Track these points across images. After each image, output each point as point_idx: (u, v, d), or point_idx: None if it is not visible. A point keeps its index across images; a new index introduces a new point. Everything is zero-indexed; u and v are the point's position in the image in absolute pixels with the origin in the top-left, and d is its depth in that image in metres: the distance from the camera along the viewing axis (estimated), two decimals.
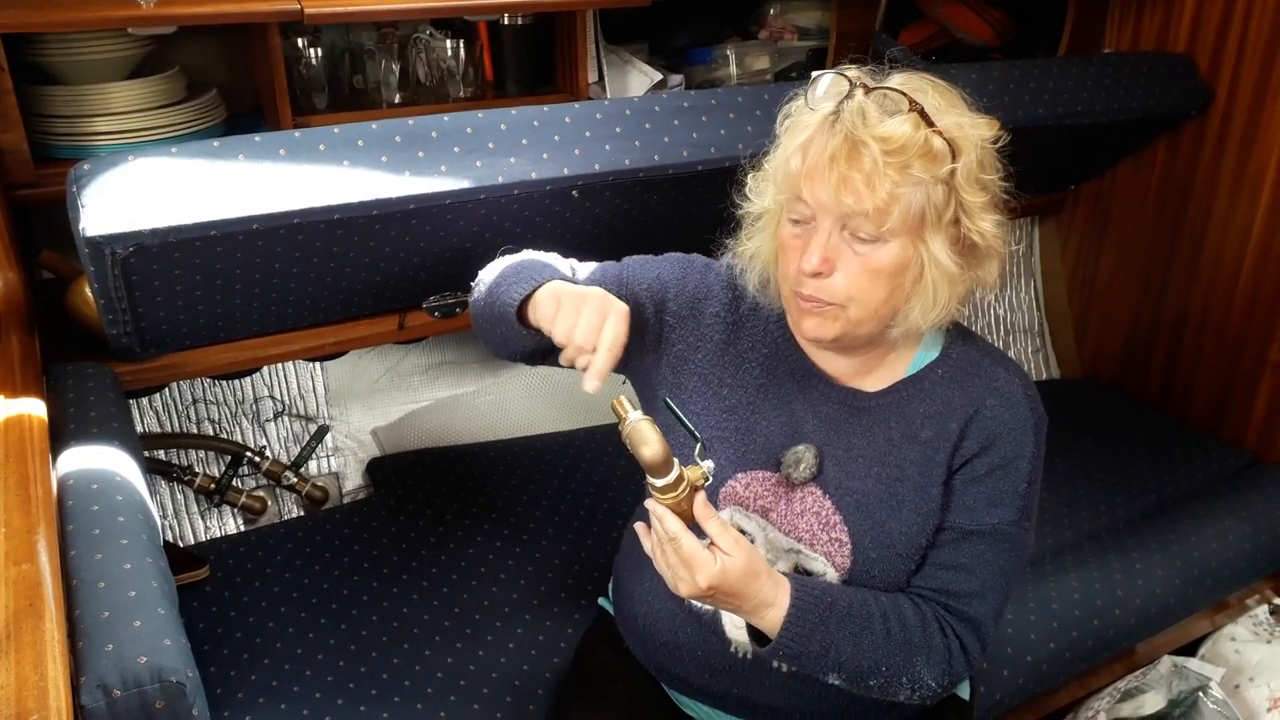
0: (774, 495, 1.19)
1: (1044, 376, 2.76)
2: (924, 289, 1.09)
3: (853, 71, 1.09)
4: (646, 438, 0.99)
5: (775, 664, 1.19)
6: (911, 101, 1.05)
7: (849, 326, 1.11)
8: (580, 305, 1.06)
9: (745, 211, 1.18)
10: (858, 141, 1.03)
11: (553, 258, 1.26)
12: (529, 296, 1.12)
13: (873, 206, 1.03)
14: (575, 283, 1.21)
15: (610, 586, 1.44)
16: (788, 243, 1.10)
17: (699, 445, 1.08)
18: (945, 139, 1.05)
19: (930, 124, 1.04)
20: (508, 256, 1.25)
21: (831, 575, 1.17)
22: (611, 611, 1.42)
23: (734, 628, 1.20)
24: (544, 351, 1.18)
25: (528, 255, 1.25)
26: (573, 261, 1.27)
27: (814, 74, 1.10)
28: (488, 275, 1.24)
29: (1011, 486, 1.16)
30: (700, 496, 1.04)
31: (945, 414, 1.17)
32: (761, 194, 1.15)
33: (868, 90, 1.06)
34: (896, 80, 1.08)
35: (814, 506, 1.18)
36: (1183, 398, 2.45)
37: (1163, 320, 2.46)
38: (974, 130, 1.08)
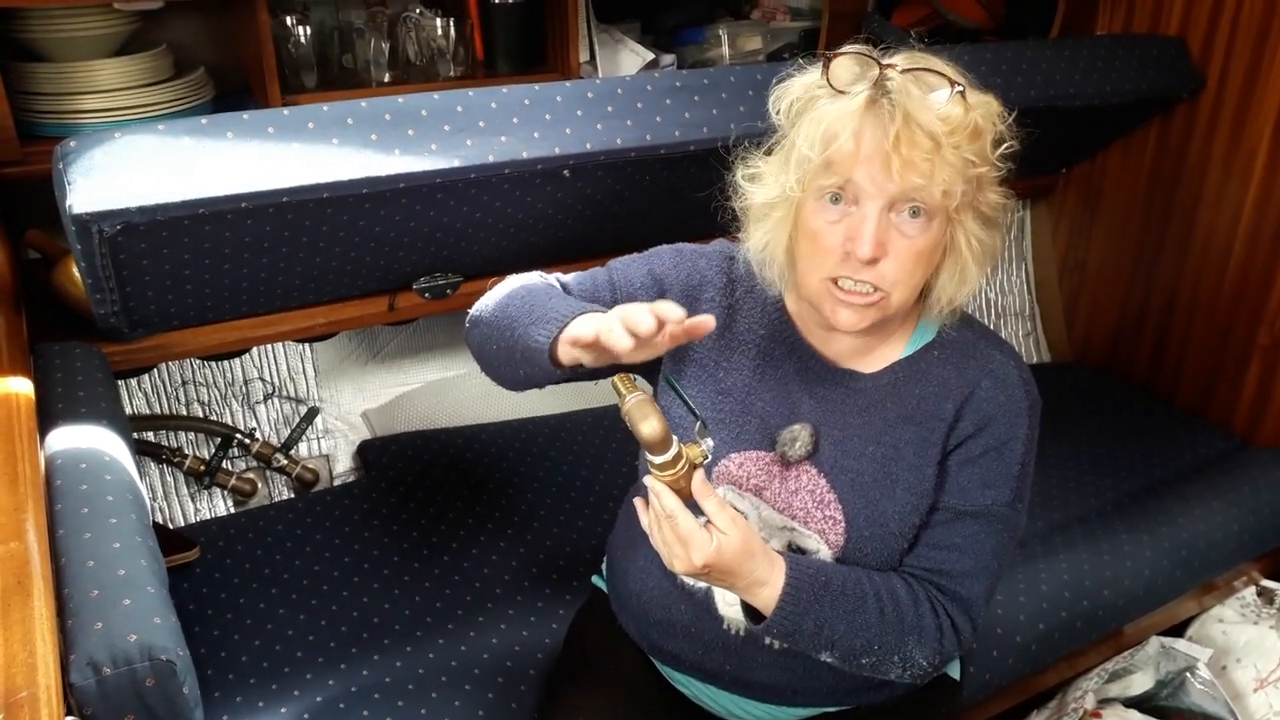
0: (768, 474, 1.19)
1: (1034, 359, 2.77)
2: (958, 265, 1.10)
3: (884, 53, 1.07)
4: (645, 415, 0.99)
5: (768, 641, 1.19)
6: (952, 81, 1.04)
7: (886, 312, 1.10)
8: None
9: (750, 203, 1.15)
10: (918, 124, 1.01)
11: (540, 278, 1.23)
12: (558, 337, 1.06)
13: (941, 189, 1.02)
14: (569, 294, 1.20)
15: (604, 565, 1.44)
16: (822, 230, 1.07)
17: (699, 424, 1.08)
18: (978, 117, 1.05)
19: (968, 104, 1.05)
20: (500, 289, 1.21)
21: (825, 553, 1.17)
22: (605, 590, 1.42)
23: (727, 605, 1.20)
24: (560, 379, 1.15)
25: (523, 283, 1.20)
26: (558, 275, 1.25)
27: (827, 54, 1.08)
28: (487, 310, 1.20)
29: (1005, 468, 1.16)
30: (699, 474, 1.04)
31: (941, 395, 1.17)
32: (774, 182, 1.12)
33: (902, 71, 1.04)
34: (908, 59, 1.07)
35: (809, 485, 1.18)
36: (1172, 381, 2.46)
37: (1152, 303, 2.47)
38: (989, 107, 1.08)
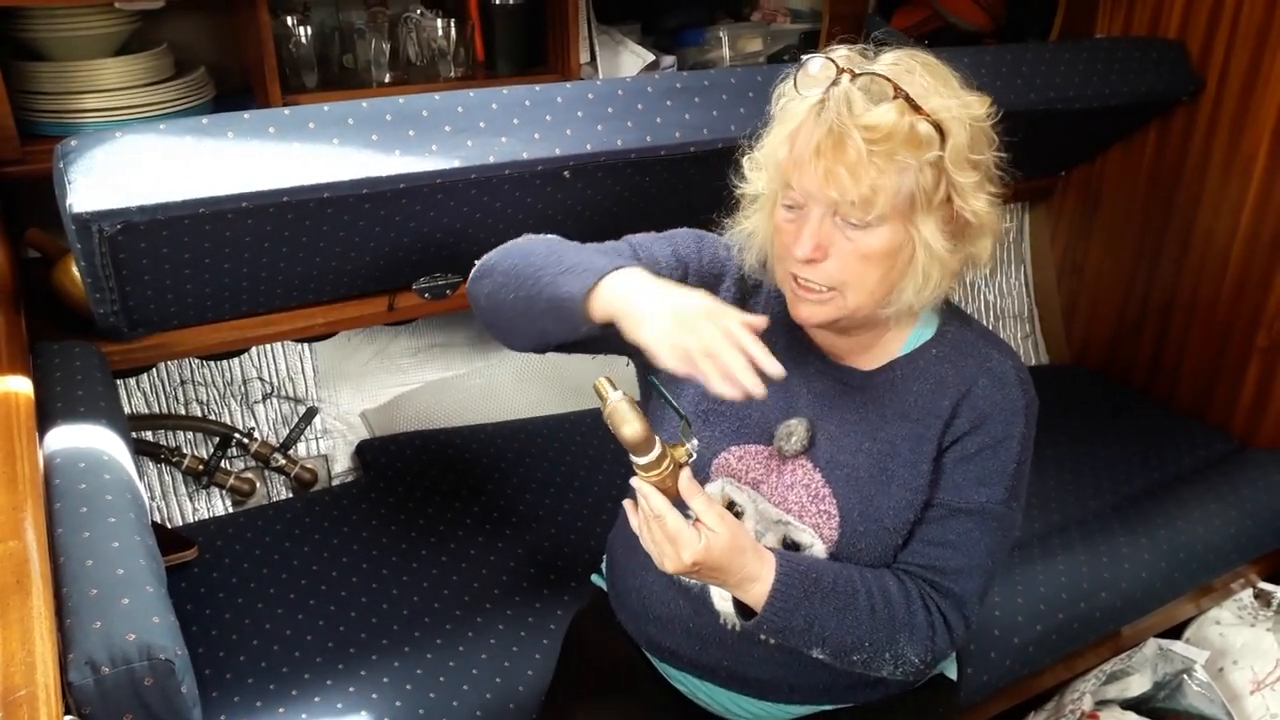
0: (765, 468, 1.20)
1: (1033, 362, 2.77)
2: (914, 270, 1.10)
3: (841, 54, 1.08)
4: (626, 417, 1.00)
5: (762, 637, 1.20)
6: (896, 88, 1.04)
7: (844, 310, 1.11)
8: (693, 324, 0.98)
9: (742, 193, 1.18)
10: (842, 132, 1.02)
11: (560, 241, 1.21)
12: (594, 289, 1.04)
13: (858, 197, 1.03)
14: None
15: (603, 563, 1.45)
16: (782, 227, 1.11)
17: (683, 422, 1.08)
18: (932, 122, 1.04)
19: (916, 109, 1.04)
20: (515, 242, 1.20)
21: (819, 548, 1.18)
22: (604, 588, 1.43)
23: (722, 600, 1.21)
24: (579, 342, 1.13)
25: (542, 239, 1.19)
26: (575, 245, 1.23)
27: (803, 57, 1.09)
28: (503, 260, 1.16)
29: (1001, 466, 1.16)
30: (685, 473, 1.05)
31: (938, 392, 1.17)
32: (755, 178, 1.16)
33: (854, 76, 1.05)
34: (885, 62, 1.07)
35: (804, 479, 1.18)
36: (1170, 383, 2.46)
37: (1151, 306, 2.47)
38: (963, 110, 1.07)
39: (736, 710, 1.31)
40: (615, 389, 1.02)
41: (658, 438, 1.03)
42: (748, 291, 1.24)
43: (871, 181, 1.02)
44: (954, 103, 1.07)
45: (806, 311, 1.12)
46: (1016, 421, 1.17)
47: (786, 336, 1.22)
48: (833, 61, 1.07)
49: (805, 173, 1.05)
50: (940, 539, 1.17)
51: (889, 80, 1.04)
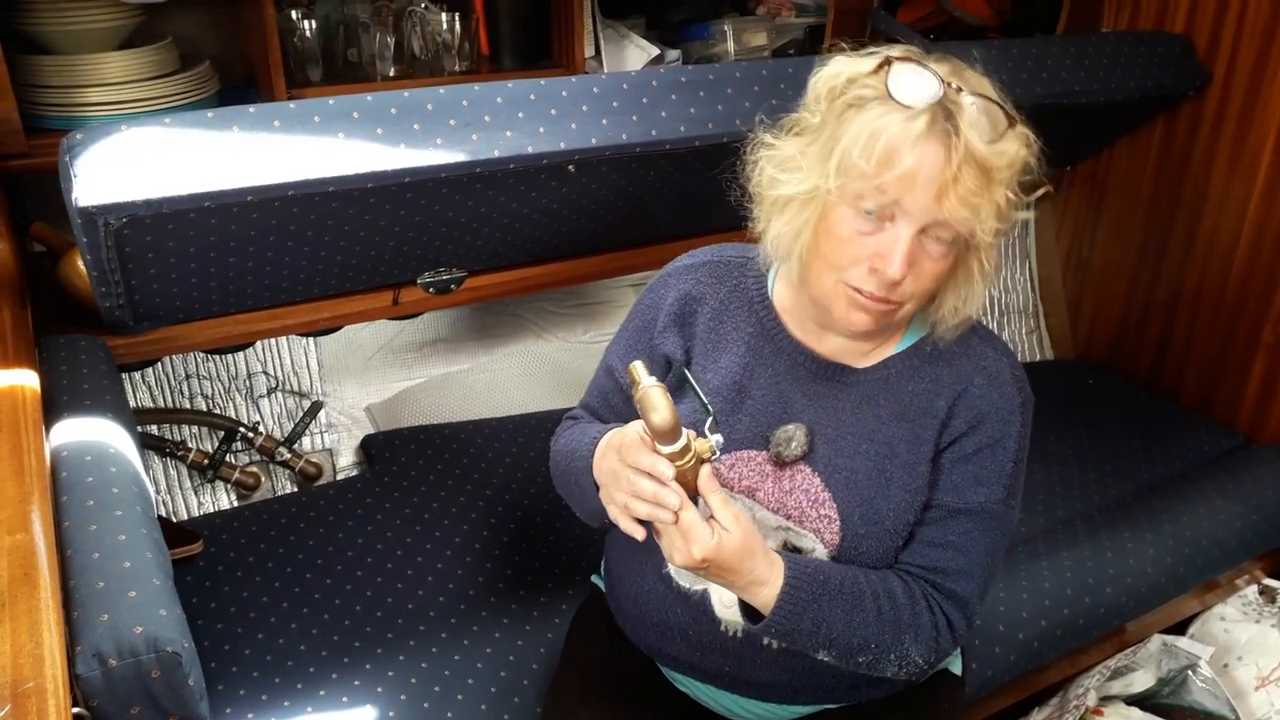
0: (760, 475, 1.19)
1: (1038, 357, 2.76)
2: (969, 285, 1.12)
3: (939, 65, 1.04)
4: (656, 404, 0.98)
5: (766, 642, 1.19)
6: (1010, 118, 1.04)
7: (897, 318, 1.12)
8: (611, 483, 1.09)
9: (777, 191, 1.11)
10: (977, 159, 1.00)
11: (564, 442, 1.29)
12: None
13: (982, 226, 1.03)
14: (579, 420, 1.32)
15: (602, 565, 1.44)
16: (851, 239, 1.06)
17: (710, 419, 1.08)
18: (1028, 153, 1.06)
19: (1022, 138, 1.05)
20: (553, 449, 1.32)
21: (820, 552, 1.17)
22: (603, 588, 1.42)
23: (723, 607, 1.20)
24: None
25: (563, 451, 1.28)
26: (577, 407, 1.36)
27: (893, 64, 1.03)
28: (553, 471, 1.31)
29: (998, 466, 1.16)
30: (705, 469, 1.04)
31: (933, 391, 1.17)
32: (809, 174, 1.07)
33: (965, 95, 1.02)
34: (960, 78, 1.04)
35: (803, 484, 1.17)
36: (1176, 378, 2.46)
37: (1157, 301, 2.46)
38: (1028, 136, 1.07)
39: (740, 711, 1.30)
40: (650, 375, 1.00)
41: (685, 429, 1.02)
42: (721, 302, 1.22)
43: (995, 209, 1.03)
44: (1024, 129, 1.07)
45: (864, 321, 1.10)
46: (1013, 420, 1.16)
47: (775, 340, 1.21)
48: (934, 72, 1.02)
49: (932, 195, 1.00)
50: (941, 540, 1.16)
51: (1001, 108, 1.04)
